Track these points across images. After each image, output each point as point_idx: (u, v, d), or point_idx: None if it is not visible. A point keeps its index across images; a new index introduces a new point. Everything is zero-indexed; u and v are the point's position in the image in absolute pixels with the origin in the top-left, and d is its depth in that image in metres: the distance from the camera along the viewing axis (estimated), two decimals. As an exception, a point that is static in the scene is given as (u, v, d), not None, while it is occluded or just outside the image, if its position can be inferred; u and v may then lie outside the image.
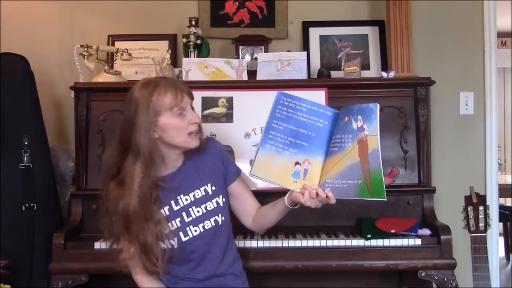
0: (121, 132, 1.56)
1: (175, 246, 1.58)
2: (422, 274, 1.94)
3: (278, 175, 1.54)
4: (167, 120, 1.53)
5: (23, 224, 2.10)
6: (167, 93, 1.53)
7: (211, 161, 1.68)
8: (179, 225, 1.59)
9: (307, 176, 1.53)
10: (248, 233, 2.03)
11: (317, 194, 1.48)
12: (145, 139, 1.51)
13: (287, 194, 1.59)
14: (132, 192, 1.50)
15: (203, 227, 1.60)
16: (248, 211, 1.73)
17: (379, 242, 1.95)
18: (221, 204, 1.65)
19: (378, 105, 1.44)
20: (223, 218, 1.64)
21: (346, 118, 1.50)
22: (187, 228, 1.59)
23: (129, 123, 1.53)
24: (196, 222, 1.60)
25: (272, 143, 1.55)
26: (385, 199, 1.39)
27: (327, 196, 1.48)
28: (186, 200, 1.61)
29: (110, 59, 2.49)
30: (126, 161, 1.53)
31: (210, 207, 1.62)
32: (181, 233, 1.59)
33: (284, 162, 1.54)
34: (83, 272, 1.95)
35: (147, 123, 1.51)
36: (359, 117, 1.46)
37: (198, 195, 1.63)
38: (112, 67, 2.43)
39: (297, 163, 1.54)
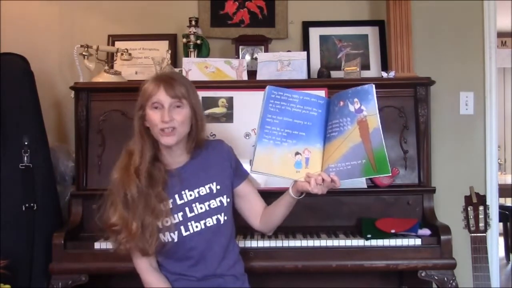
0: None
1: (175, 240, 1.60)
2: (422, 274, 1.94)
3: (280, 167, 1.56)
4: (147, 111, 1.58)
5: (23, 224, 2.10)
6: (150, 84, 1.59)
7: (219, 161, 1.70)
8: (181, 219, 1.62)
9: (309, 165, 1.56)
10: (248, 233, 2.04)
11: (322, 179, 1.51)
12: (136, 122, 1.61)
13: (291, 185, 1.60)
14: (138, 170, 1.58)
15: (204, 224, 1.62)
16: (256, 212, 1.74)
17: (379, 242, 1.96)
18: (225, 204, 1.66)
19: (373, 85, 1.48)
20: (226, 217, 1.65)
21: (342, 103, 1.53)
22: (189, 223, 1.61)
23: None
24: (198, 218, 1.62)
25: (269, 137, 1.56)
26: (390, 174, 1.47)
27: (332, 180, 1.50)
28: (191, 195, 1.64)
29: (110, 59, 2.49)
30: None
31: (213, 205, 1.65)
32: (182, 227, 1.61)
33: (284, 154, 1.56)
34: (83, 272, 1.95)
35: (137, 110, 1.61)
36: (356, 99, 1.50)
37: (202, 192, 1.65)
38: (112, 67, 2.43)
39: (297, 153, 1.56)
